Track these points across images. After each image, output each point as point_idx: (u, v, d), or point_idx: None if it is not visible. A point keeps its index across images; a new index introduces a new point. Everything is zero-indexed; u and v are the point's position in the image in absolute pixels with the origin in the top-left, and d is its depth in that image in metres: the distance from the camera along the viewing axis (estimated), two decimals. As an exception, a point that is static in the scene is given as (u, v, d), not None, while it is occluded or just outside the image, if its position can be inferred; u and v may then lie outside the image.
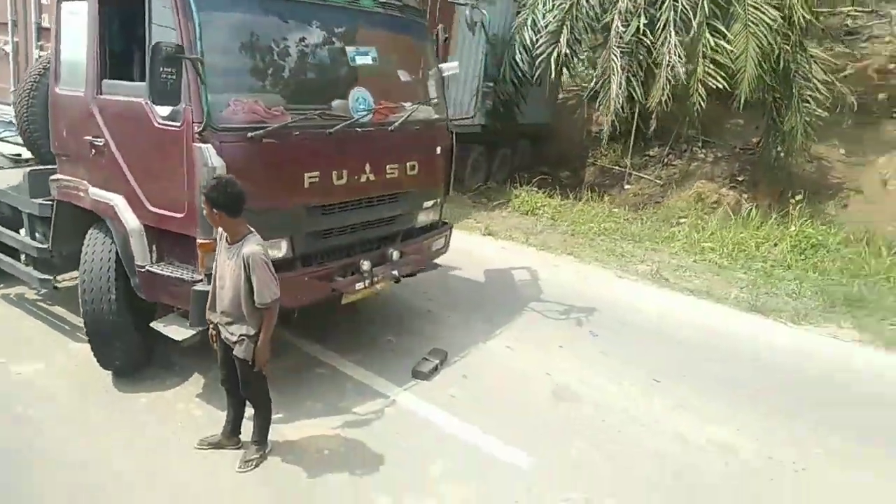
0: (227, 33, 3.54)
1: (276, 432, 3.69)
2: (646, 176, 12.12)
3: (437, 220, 5.05)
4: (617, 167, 12.49)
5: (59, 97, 4.08)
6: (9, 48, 5.05)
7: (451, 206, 8.92)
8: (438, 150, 4.78)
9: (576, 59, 10.46)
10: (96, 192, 3.92)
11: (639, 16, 9.41)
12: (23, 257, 4.69)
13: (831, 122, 10.80)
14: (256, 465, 3.44)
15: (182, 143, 3.38)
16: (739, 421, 4.04)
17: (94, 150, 3.86)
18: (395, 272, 4.37)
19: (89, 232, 4.08)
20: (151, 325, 3.90)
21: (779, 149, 10.24)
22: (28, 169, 4.45)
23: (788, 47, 9.53)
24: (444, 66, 4.90)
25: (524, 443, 3.68)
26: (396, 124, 4.26)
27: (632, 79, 9.59)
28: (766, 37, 8.91)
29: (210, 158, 3.30)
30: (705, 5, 9.07)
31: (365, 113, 4.06)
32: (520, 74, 10.71)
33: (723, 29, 9.20)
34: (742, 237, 7.91)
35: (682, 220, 8.83)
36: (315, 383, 4.28)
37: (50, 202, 4.32)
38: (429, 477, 3.40)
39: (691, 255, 7.36)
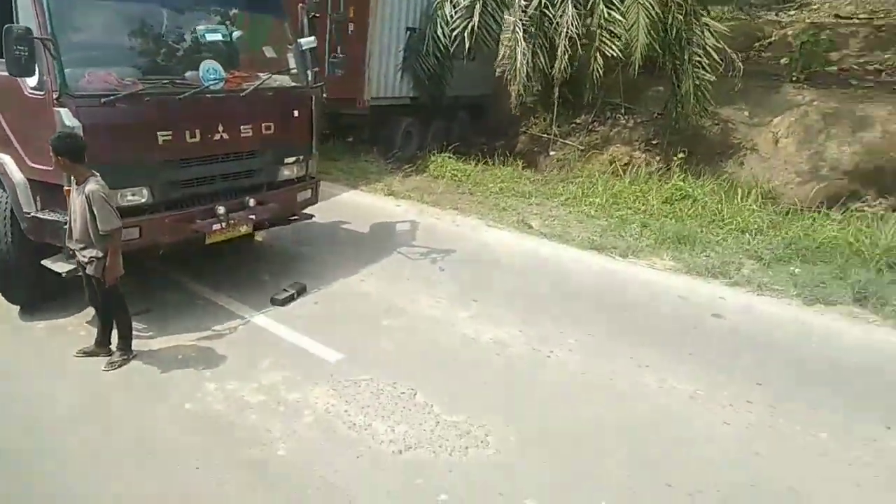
0: (84, 16, 4.35)
1: (144, 344, 4.57)
2: (570, 142, 12.93)
3: (304, 175, 5.89)
4: (545, 135, 13.27)
5: None
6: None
7: (368, 170, 9.80)
8: (296, 113, 5.60)
9: (487, 33, 11.11)
10: (5, 160, 4.74)
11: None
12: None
13: (740, 88, 11.69)
14: (120, 366, 4.32)
15: (46, 108, 4.20)
16: (524, 324, 4.94)
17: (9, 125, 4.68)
18: (252, 216, 5.23)
19: (-9, 188, 4.91)
20: (42, 262, 4.74)
21: (679, 110, 11.02)
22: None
23: (682, 17, 10.28)
24: (301, 40, 5.69)
25: (340, 345, 4.57)
26: (248, 91, 5.08)
27: (538, 51, 10.38)
28: (654, 8, 9.68)
29: (67, 119, 4.13)
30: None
31: (215, 81, 4.88)
32: (441, 49, 11.45)
33: (616, 2, 9.95)
34: (622, 191, 8.76)
35: (578, 179, 9.66)
36: (190, 311, 5.14)
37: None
38: (255, 370, 4.29)
39: (569, 208, 8.21)
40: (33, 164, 4.50)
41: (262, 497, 3.11)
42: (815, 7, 17.07)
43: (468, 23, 10.63)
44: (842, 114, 10.84)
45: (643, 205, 8.32)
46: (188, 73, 4.83)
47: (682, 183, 8.73)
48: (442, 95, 12.30)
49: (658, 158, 11.87)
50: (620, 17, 9.84)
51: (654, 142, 12.41)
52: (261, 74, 5.30)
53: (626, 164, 11.74)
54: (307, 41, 5.70)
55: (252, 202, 5.25)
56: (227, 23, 5.22)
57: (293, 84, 5.63)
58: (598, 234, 7.02)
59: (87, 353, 4.44)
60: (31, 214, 4.58)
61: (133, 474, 3.26)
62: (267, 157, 5.42)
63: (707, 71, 10.36)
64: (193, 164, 4.88)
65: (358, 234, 7.10)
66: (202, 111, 4.84)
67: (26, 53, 3.92)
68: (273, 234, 6.54)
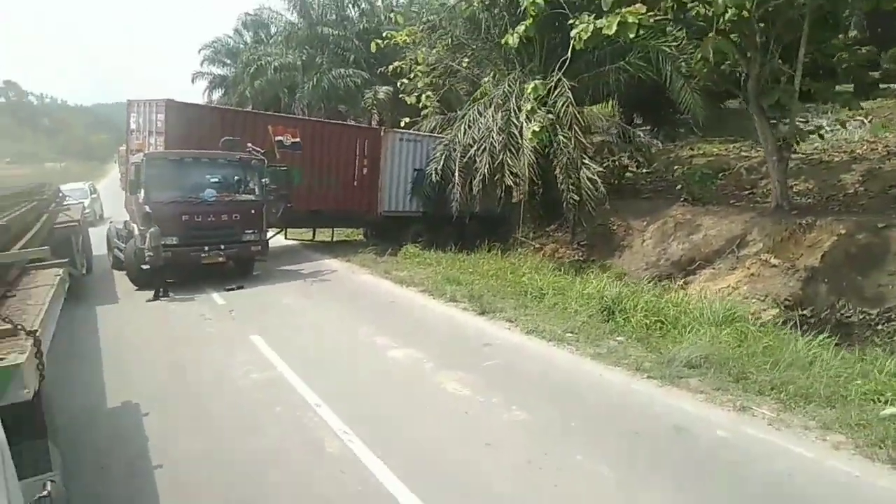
0: (159, 172, 11.82)
1: (169, 299, 11.56)
2: (531, 243, 18.27)
3: (258, 239, 12.73)
4: (523, 238, 18.74)
5: (127, 196, 12.76)
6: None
7: (357, 251, 16.36)
8: (253, 212, 12.56)
9: (451, 173, 17.31)
10: (134, 226, 12.38)
11: (471, 146, 16.38)
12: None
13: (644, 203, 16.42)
14: (152, 301, 11.33)
15: (142, 205, 11.65)
16: (322, 301, 11.01)
17: (134, 211, 12.37)
18: (222, 254, 12.17)
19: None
20: (141, 266, 12.08)
21: (574, 221, 16.08)
22: (123, 221, 13.16)
23: (566, 160, 15.66)
24: (264, 180, 12.76)
25: (231, 301, 11.07)
26: (226, 200, 12.20)
27: (469, 183, 16.45)
28: (538, 159, 15.34)
29: (147, 208, 11.50)
30: (501, 140, 15.77)
31: (212, 197, 12.07)
32: (435, 182, 17.90)
33: (514, 153, 15.74)
34: (489, 265, 14.17)
35: (490, 261, 15.11)
36: (193, 290, 11.99)
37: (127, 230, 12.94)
38: (196, 304, 10.96)
39: (438, 272, 13.79)
40: (139, 227, 11.96)
41: (170, 327, 9.67)
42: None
43: (437, 166, 17.14)
44: (687, 223, 15.07)
45: (482, 269, 13.65)
46: (201, 193, 12.09)
47: (510, 261, 13.97)
48: (444, 212, 18.51)
49: (580, 252, 16.85)
50: (512, 161, 15.57)
51: (583, 242, 17.31)
52: (237, 195, 12.43)
53: (550, 256, 16.87)
54: (264, 182, 12.77)
55: (223, 247, 12.19)
56: (223, 171, 12.45)
57: (253, 199, 12.66)
58: (419, 280, 12.58)
59: (149, 300, 11.51)
60: (138, 247, 11.98)
61: (151, 310, 10.10)
62: (236, 229, 12.40)
63: (587, 195, 15.38)
64: (198, 229, 12.00)
65: (297, 272, 13.67)
66: (203, 208, 12.00)
67: (136, 185, 11.47)
68: (260, 268, 13.39)
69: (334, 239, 18.64)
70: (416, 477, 4.72)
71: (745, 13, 12.04)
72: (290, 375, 7.05)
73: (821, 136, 14.69)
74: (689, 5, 12.72)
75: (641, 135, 16.42)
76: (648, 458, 5.05)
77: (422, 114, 21.39)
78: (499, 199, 15.98)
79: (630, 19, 11.89)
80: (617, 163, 19.11)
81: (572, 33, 12.68)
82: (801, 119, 21.35)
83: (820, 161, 17.45)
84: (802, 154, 18.36)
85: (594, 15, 12.59)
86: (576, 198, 15.34)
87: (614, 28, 11.99)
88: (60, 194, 13.12)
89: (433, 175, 17.36)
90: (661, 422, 5.69)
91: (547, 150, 15.92)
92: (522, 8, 14.21)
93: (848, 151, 17.63)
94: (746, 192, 16.97)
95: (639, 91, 18.22)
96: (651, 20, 12.39)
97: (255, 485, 4.72)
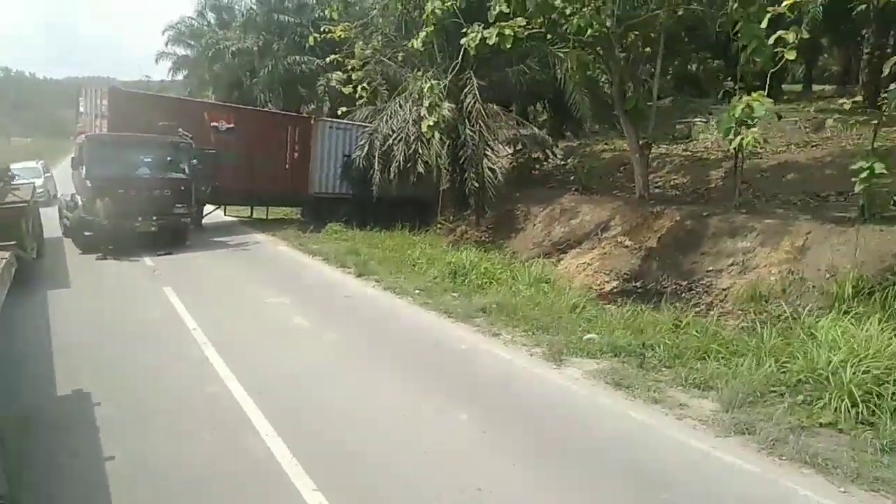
0: (99, 152, 13.81)
1: (110, 260, 13.61)
2: (450, 226, 20.49)
3: (187, 212, 14.78)
4: (442, 221, 20.95)
5: (72, 171, 14.72)
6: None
7: (283, 227, 18.50)
8: (183, 188, 14.61)
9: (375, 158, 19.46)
10: (78, 198, 14.36)
11: (391, 136, 18.53)
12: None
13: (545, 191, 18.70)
14: (99, 260, 13.39)
15: (84, 179, 13.65)
16: (228, 267, 13.13)
17: (77, 185, 14.35)
18: (154, 223, 14.23)
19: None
20: (84, 233, 14.08)
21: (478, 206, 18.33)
22: (70, 193, 15.13)
23: (470, 152, 17.88)
24: (193, 161, 14.79)
25: (159, 264, 13.11)
26: (158, 178, 14.24)
27: (388, 168, 18.61)
28: (449, 146, 17.53)
29: (88, 183, 13.51)
30: (415, 132, 17.94)
31: (145, 174, 14.11)
32: (362, 168, 20.02)
33: (425, 143, 17.92)
34: (391, 242, 16.38)
35: (396, 236, 17.32)
36: (131, 254, 14.04)
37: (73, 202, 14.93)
38: (130, 267, 13.01)
39: (348, 246, 15.96)
40: (82, 199, 13.96)
41: (103, 280, 11.74)
42: (692, 141, 22.85)
43: (362, 153, 19.28)
44: (571, 209, 17.38)
45: (386, 244, 15.86)
46: (136, 170, 14.11)
47: (413, 238, 16.18)
48: (371, 195, 20.62)
49: (486, 234, 19.12)
50: (423, 151, 17.76)
51: (490, 226, 19.58)
52: (168, 173, 14.47)
53: (460, 236, 19.13)
54: (193, 163, 14.81)
55: (155, 218, 14.24)
56: (156, 153, 14.47)
57: (182, 177, 14.70)
58: (325, 252, 14.71)
59: (98, 258, 13.53)
60: (81, 216, 13.97)
61: (90, 268, 12.13)
62: (167, 203, 14.43)
63: (488, 183, 17.62)
64: (133, 202, 14.02)
65: (225, 243, 15.74)
66: (138, 183, 14.02)
67: (79, 162, 13.46)
68: (192, 239, 15.44)
69: (269, 217, 20.69)
70: (241, 368, 6.89)
71: (604, 30, 14.32)
72: (182, 311, 9.21)
73: (673, 138, 17.02)
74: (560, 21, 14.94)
75: (538, 131, 18.65)
76: (404, 358, 7.35)
77: (357, 103, 23.46)
78: (413, 184, 18.14)
79: (507, 31, 14.06)
80: (528, 156, 21.43)
81: (462, 41, 14.84)
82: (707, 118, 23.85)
83: (700, 158, 19.93)
84: (689, 152, 20.87)
85: (483, 25, 14.75)
86: (476, 185, 17.58)
87: (494, 38, 14.16)
88: (10, 173, 14.48)
89: (359, 161, 19.47)
90: (429, 340, 7.99)
91: (457, 142, 18.14)
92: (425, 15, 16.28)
93: (725, 150, 20.09)
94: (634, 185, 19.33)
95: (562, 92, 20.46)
96: (526, 33, 14.60)
97: (131, 370, 6.89)
